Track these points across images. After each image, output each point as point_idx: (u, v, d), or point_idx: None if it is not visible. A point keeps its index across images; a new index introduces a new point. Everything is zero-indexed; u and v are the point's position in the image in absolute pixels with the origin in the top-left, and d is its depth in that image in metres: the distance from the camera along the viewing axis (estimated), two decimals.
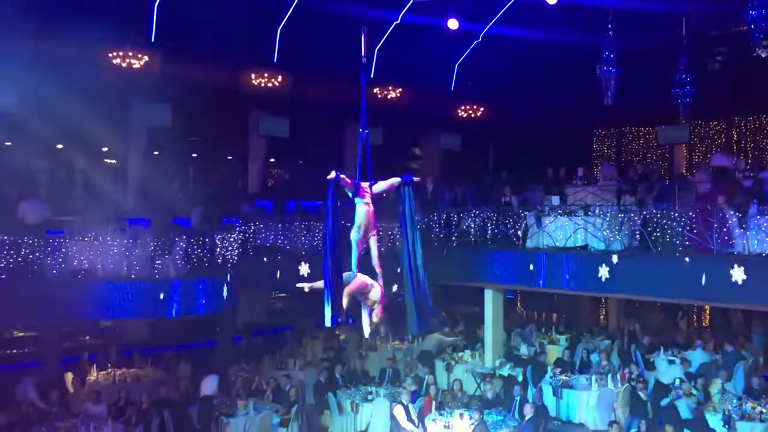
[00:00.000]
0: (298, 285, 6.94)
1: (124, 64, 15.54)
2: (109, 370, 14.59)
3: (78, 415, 11.71)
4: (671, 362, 14.88)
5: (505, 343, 16.75)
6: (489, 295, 16.02)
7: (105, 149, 18.12)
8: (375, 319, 6.95)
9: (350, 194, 6.91)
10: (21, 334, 17.38)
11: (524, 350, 16.61)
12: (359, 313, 7.00)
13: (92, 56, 15.09)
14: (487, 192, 17.86)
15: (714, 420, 11.79)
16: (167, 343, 17.18)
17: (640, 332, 16.57)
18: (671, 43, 16.43)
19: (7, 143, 15.55)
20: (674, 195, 14.29)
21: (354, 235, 6.82)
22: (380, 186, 7.05)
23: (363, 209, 6.85)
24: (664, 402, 12.48)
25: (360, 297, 6.88)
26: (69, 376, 14.01)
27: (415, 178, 7.18)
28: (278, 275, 14.90)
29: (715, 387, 13.24)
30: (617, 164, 22.23)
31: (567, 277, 13.59)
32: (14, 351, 17.21)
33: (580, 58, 16.31)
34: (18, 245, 11.89)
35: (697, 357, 14.87)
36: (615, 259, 12.57)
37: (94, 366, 14.57)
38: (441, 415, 12.22)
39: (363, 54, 7.41)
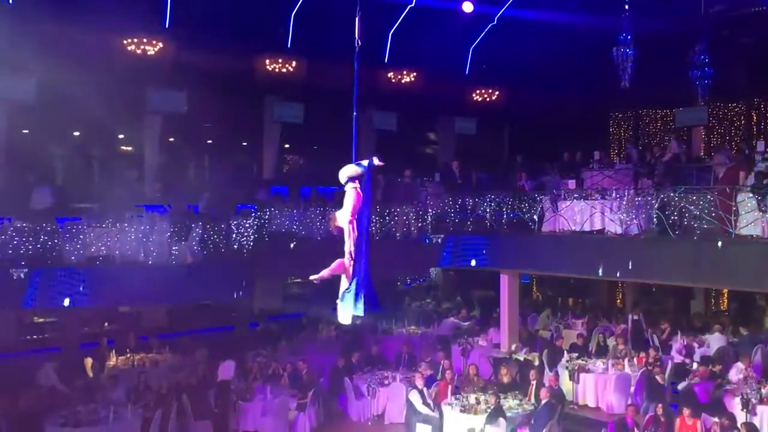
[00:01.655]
0: (311, 277, 6.93)
1: (138, 51, 15.58)
2: (128, 355, 14.74)
3: (98, 400, 11.86)
4: (688, 346, 14.81)
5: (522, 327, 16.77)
6: (505, 280, 16.01)
7: (121, 136, 18.21)
8: None
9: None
10: (41, 320, 17.59)
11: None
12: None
13: (107, 44, 15.13)
14: (503, 176, 17.80)
15: (732, 404, 11.74)
16: (185, 328, 17.33)
17: (644, 320, 16.49)
18: (689, 23, 16.19)
19: (24, 131, 15.66)
20: (692, 178, 14.16)
21: (346, 218, 6.81)
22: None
23: (354, 193, 6.86)
24: (682, 386, 12.44)
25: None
26: (88, 362, 14.18)
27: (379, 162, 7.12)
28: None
29: (734, 371, 13.16)
30: (634, 147, 22.05)
31: (582, 261, 13.54)
32: (35, 337, 17.43)
33: (596, 40, 16.12)
34: (36, 232, 12.01)
35: (715, 341, 14.79)
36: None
37: (113, 351, 14.74)
38: (457, 399, 12.26)
39: (357, 37, 7.39)
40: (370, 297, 6.76)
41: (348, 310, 6.75)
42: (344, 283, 6.77)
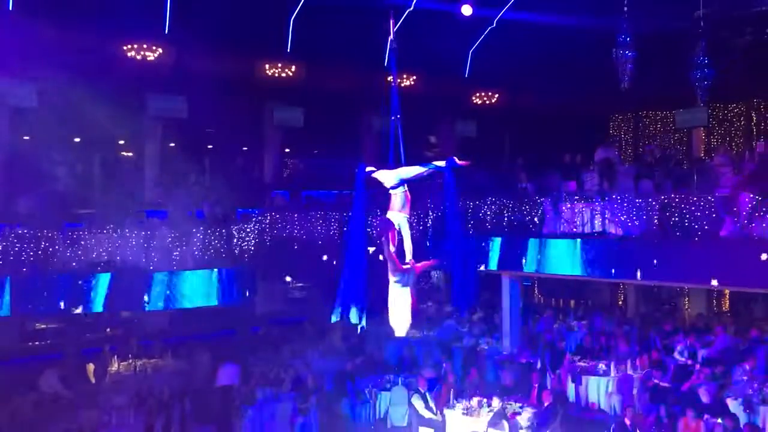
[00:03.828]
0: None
1: (139, 57, 15.62)
2: (130, 360, 14.72)
3: (101, 406, 11.85)
4: (690, 347, 14.77)
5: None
6: (506, 282, 15.99)
7: (121, 142, 18.26)
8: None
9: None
10: (43, 326, 17.59)
11: None
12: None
13: (108, 50, 15.19)
14: (504, 178, 17.79)
15: (734, 404, 11.72)
16: (186, 333, 17.31)
17: (645, 322, 16.50)
18: (688, 25, 16.20)
19: (25, 137, 15.70)
20: (693, 179, 14.17)
21: (405, 219, 6.70)
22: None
23: (405, 196, 6.77)
24: (685, 387, 12.43)
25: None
26: (90, 367, 14.16)
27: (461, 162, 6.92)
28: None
29: (738, 372, 13.12)
30: (634, 149, 22.06)
31: (584, 263, 13.52)
32: (37, 343, 17.42)
33: (595, 42, 16.13)
34: (38, 238, 12.05)
35: (718, 342, 14.75)
36: None
37: (115, 357, 14.73)
38: (459, 402, 12.24)
39: (391, 39, 7.35)
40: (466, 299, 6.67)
41: (404, 319, 6.52)
42: (394, 291, 6.54)
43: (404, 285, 6.54)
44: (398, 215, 6.68)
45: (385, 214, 6.86)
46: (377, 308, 6.92)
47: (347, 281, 6.57)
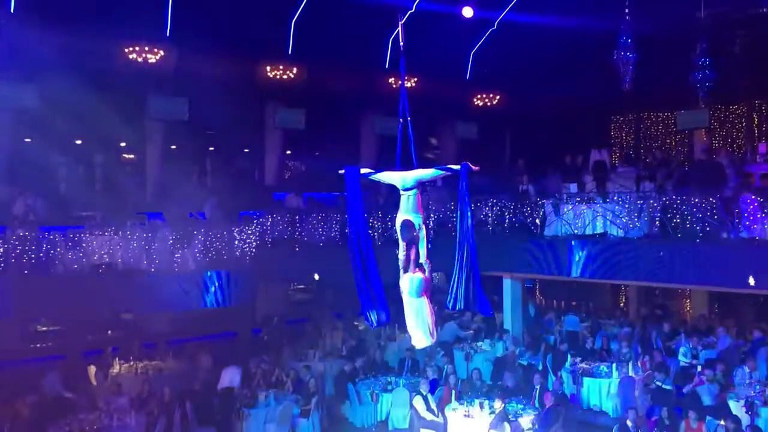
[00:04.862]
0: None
1: (140, 59, 15.63)
2: (132, 362, 14.72)
3: (102, 408, 11.85)
4: (693, 349, 14.77)
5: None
6: (508, 284, 15.98)
7: (123, 144, 18.28)
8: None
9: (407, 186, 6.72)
10: (45, 328, 17.61)
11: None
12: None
13: (109, 52, 15.21)
14: (504, 180, 17.77)
15: (736, 406, 11.70)
16: (188, 335, 17.32)
17: (648, 323, 16.51)
18: (690, 26, 16.20)
19: (26, 139, 15.72)
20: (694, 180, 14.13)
21: (421, 221, 6.64)
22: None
23: (419, 198, 6.70)
24: (686, 389, 12.41)
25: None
26: (92, 369, 14.17)
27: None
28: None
29: (738, 373, 13.11)
30: (635, 150, 22.06)
31: (585, 264, 13.51)
32: (39, 345, 17.44)
33: (597, 44, 16.14)
34: (39, 241, 12.06)
35: (720, 343, 14.75)
36: None
37: (117, 359, 14.73)
38: (461, 404, 12.23)
39: (401, 42, 7.31)
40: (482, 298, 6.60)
41: (424, 331, 6.34)
42: (410, 302, 6.39)
43: (419, 295, 6.37)
44: (417, 216, 6.62)
45: (386, 216, 6.80)
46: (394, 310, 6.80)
47: (363, 285, 6.40)
